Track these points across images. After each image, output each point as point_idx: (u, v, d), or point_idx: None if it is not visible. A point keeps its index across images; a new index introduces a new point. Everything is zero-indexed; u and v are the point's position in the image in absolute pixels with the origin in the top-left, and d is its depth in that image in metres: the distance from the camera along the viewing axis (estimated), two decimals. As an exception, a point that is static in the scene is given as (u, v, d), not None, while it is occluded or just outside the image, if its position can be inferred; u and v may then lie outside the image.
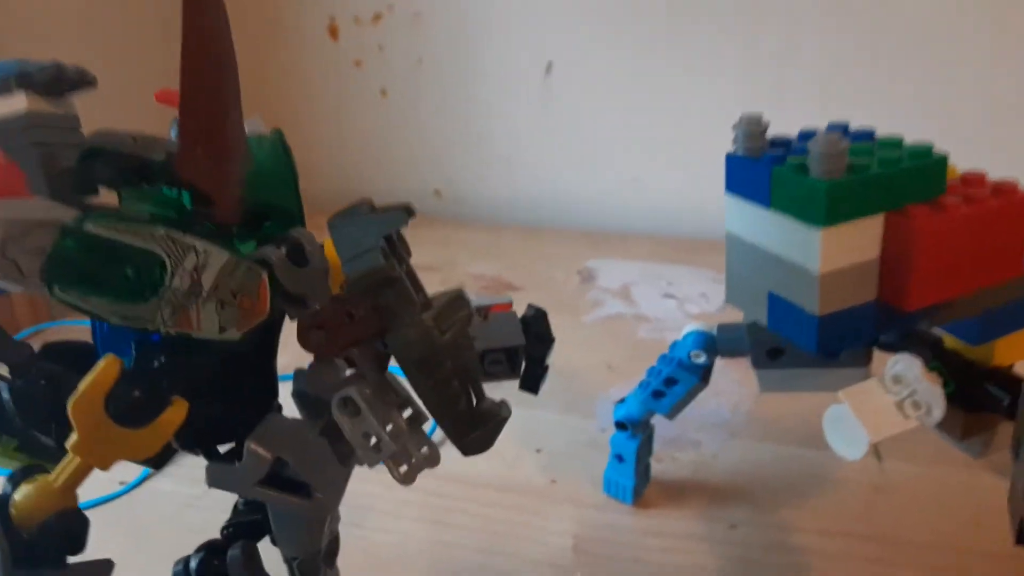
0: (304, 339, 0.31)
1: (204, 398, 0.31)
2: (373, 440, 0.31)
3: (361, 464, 0.32)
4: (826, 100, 0.95)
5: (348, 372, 0.33)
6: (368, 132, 1.18)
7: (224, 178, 0.30)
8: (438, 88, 1.12)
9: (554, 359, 0.75)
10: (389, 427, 0.31)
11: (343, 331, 0.31)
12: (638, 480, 0.54)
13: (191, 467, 0.35)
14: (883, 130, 0.35)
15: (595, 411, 0.66)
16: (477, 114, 1.12)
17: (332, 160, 1.21)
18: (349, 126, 1.18)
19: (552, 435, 0.63)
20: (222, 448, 0.33)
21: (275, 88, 1.19)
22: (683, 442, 0.61)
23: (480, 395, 0.32)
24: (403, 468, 0.32)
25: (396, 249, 0.32)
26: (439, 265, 0.98)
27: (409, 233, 1.17)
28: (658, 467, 0.58)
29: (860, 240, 0.30)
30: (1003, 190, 0.31)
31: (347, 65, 1.15)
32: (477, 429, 0.31)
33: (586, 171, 1.09)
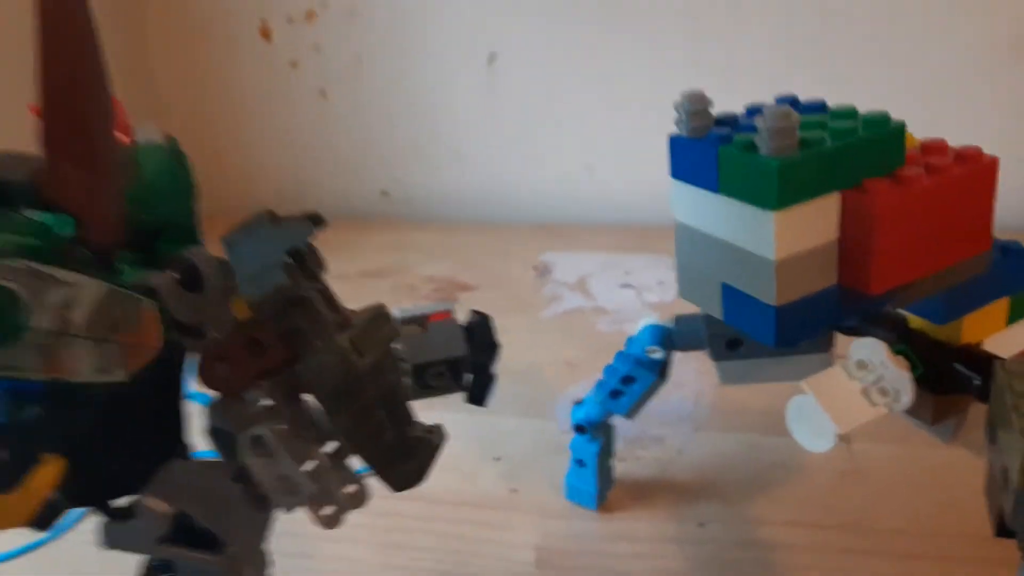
0: (205, 374, 0.28)
1: (93, 448, 0.27)
2: (291, 481, 0.28)
3: (278, 508, 0.29)
4: (775, 76, 0.93)
5: (262, 403, 0.30)
6: (309, 135, 1.14)
7: (96, 195, 0.27)
8: (380, 86, 1.08)
9: (512, 359, 0.72)
10: (309, 466, 0.28)
11: (249, 362, 0.27)
12: (601, 484, 0.52)
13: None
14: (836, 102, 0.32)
15: (556, 412, 0.64)
16: (422, 110, 1.08)
17: (273, 165, 1.16)
18: (289, 129, 1.14)
19: (511, 441, 0.60)
20: (123, 500, 0.30)
21: (210, 94, 1.14)
22: (646, 439, 0.59)
23: (408, 422, 0.29)
24: (326, 511, 0.28)
25: (306, 264, 0.28)
26: (389, 270, 0.95)
27: (358, 237, 1.13)
28: (622, 467, 0.55)
29: (817, 221, 0.28)
30: (967, 156, 0.28)
31: (283, 66, 1.10)
32: (407, 461, 0.28)
33: (537, 162, 1.07)
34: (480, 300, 0.85)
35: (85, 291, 0.25)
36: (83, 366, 0.25)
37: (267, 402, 0.29)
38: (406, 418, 0.29)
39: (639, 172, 1.01)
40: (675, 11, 0.94)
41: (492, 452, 0.59)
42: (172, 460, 0.29)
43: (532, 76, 1.02)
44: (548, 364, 0.71)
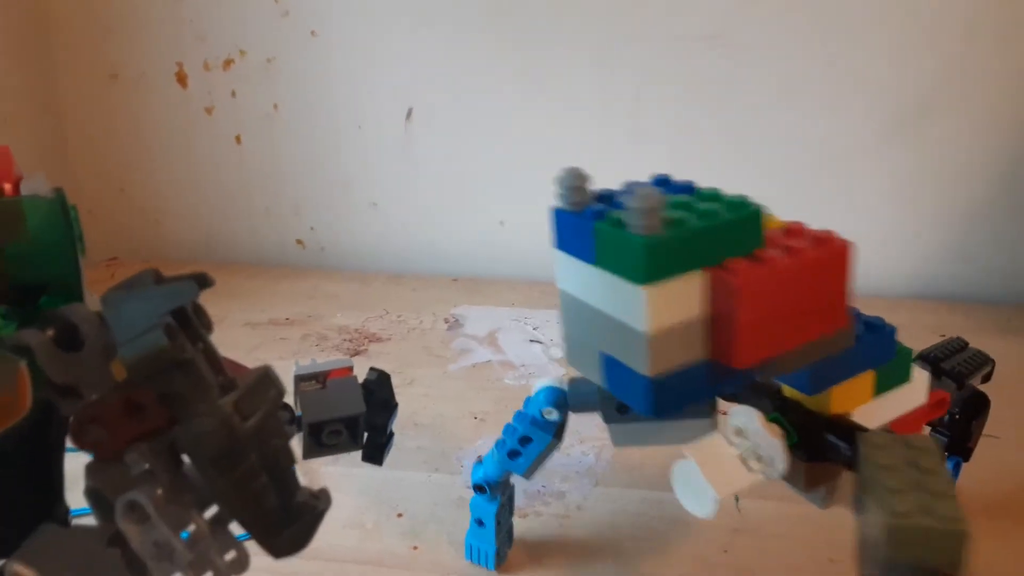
0: (78, 436, 0.27)
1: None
2: (168, 548, 0.27)
3: (154, 576, 0.28)
4: (675, 144, 0.97)
5: (140, 466, 0.29)
6: (224, 180, 1.12)
7: (-27, 253, 0.26)
8: (296, 134, 1.08)
9: (420, 412, 0.72)
10: (187, 532, 0.27)
11: (125, 425, 0.27)
12: (500, 544, 0.52)
13: None
14: (714, 178, 0.34)
15: (461, 466, 0.64)
16: (339, 160, 1.08)
17: (187, 211, 1.14)
18: (203, 175, 1.12)
19: (415, 496, 0.60)
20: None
21: (122, 137, 1.12)
22: (547, 494, 0.60)
23: (293, 487, 0.29)
24: (205, 578, 0.27)
25: (191, 326, 0.28)
26: (300, 319, 0.93)
27: (271, 285, 1.12)
28: (522, 523, 0.56)
29: (685, 297, 0.29)
30: (822, 240, 0.31)
31: (198, 112, 1.09)
32: (290, 528, 0.28)
33: (452, 216, 1.08)
34: (391, 351, 0.85)
35: (-49, 351, 0.24)
36: (-56, 429, 0.24)
37: (144, 465, 0.29)
38: (291, 483, 0.29)
39: (548, 229, 1.04)
40: (587, 78, 0.98)
41: (395, 507, 0.59)
42: (44, 523, 0.28)
43: (448, 132, 1.04)
44: (455, 417, 0.71)
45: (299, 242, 1.13)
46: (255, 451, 0.27)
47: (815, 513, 0.54)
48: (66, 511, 0.30)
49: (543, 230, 1.10)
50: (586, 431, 0.67)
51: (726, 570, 0.51)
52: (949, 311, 0.90)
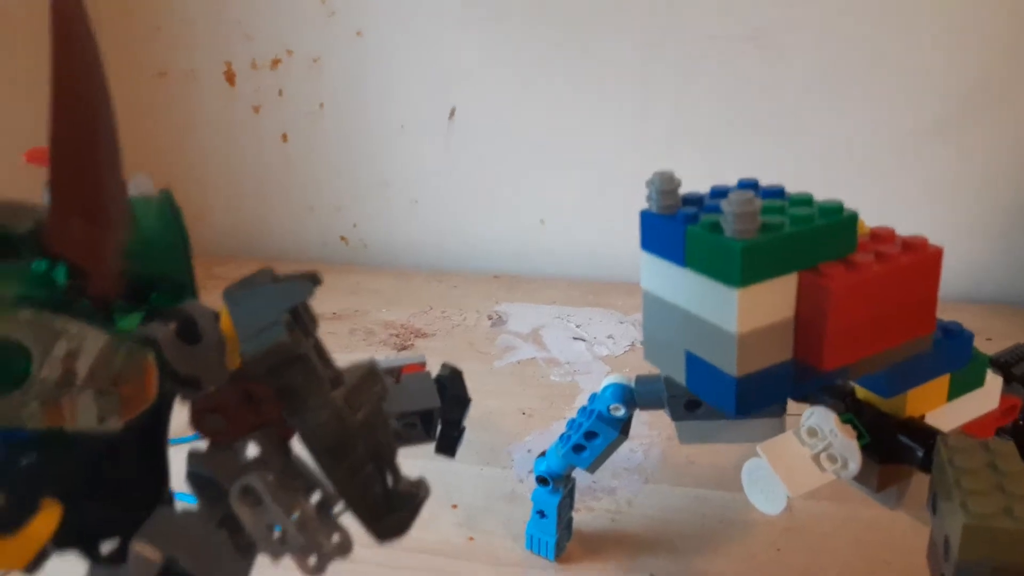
0: (199, 424, 0.28)
1: (82, 495, 0.27)
2: (278, 531, 0.29)
3: (264, 555, 0.29)
4: (711, 149, 0.98)
5: (249, 453, 0.31)
6: (269, 178, 1.14)
7: (102, 248, 0.27)
8: (341, 132, 1.10)
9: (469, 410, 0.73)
10: (295, 516, 0.29)
11: (243, 415, 0.28)
12: (560, 535, 0.53)
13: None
14: (762, 179, 0.35)
15: (512, 460, 0.65)
16: (382, 158, 1.10)
17: (232, 207, 1.16)
18: (249, 172, 1.14)
19: (468, 488, 0.61)
20: (106, 546, 0.30)
21: (171, 136, 1.14)
22: (598, 490, 0.61)
23: (397, 476, 0.30)
24: (312, 560, 0.29)
25: (302, 322, 0.29)
26: (347, 313, 0.95)
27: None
28: (576, 518, 0.57)
29: (776, 299, 0.30)
30: (913, 246, 0.31)
31: (245, 111, 1.11)
32: (393, 514, 0.29)
33: (493, 214, 1.09)
34: (436, 347, 0.86)
35: (89, 342, 0.26)
36: (83, 415, 0.25)
37: (255, 451, 0.30)
38: (394, 473, 0.30)
39: (589, 228, 1.05)
40: (627, 78, 0.98)
41: (449, 499, 0.60)
42: (160, 506, 0.30)
43: (490, 131, 1.05)
44: (503, 413, 0.72)
45: (343, 239, 1.15)
46: (363, 442, 0.29)
47: (867, 514, 0.55)
48: (171, 496, 0.32)
49: (583, 229, 1.11)
50: (634, 429, 0.68)
51: (778, 567, 0.52)
52: (992, 314, 0.90)
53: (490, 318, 0.94)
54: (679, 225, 0.31)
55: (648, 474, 0.63)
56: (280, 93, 1.09)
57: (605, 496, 0.60)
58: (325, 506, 0.30)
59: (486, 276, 1.07)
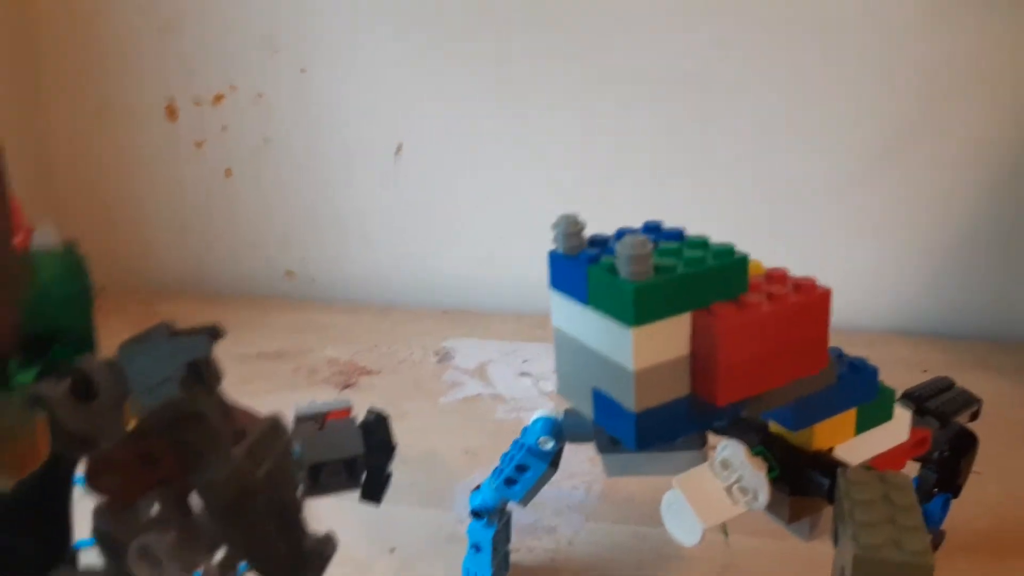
0: (94, 483, 0.28)
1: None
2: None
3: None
4: (648, 185, 1.00)
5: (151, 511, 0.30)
6: (214, 213, 1.13)
7: (-7, 307, 0.27)
8: (286, 167, 1.10)
9: (411, 446, 0.73)
10: (198, 574, 0.28)
11: (140, 473, 0.28)
12: (496, 570, 0.53)
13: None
14: (693, 217, 0.36)
15: (454, 502, 0.64)
16: (329, 193, 1.10)
17: (176, 243, 1.15)
18: (193, 208, 1.13)
19: (408, 531, 0.61)
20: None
21: (112, 171, 1.13)
22: (539, 529, 0.60)
23: (302, 534, 0.30)
24: (213, 621, 0.28)
25: (202, 377, 0.29)
26: (291, 351, 0.94)
27: (260, 318, 1.12)
28: (515, 557, 0.56)
29: (670, 338, 0.31)
30: (803, 286, 0.33)
31: (187, 146, 1.10)
32: (299, 573, 0.29)
33: (441, 249, 1.09)
34: (381, 384, 0.86)
35: (-27, 404, 0.25)
36: (-34, 480, 0.25)
37: (155, 509, 0.30)
38: (299, 530, 0.30)
39: (537, 261, 1.05)
40: (570, 117, 1.00)
41: (387, 543, 0.59)
42: (57, 567, 0.29)
43: (437, 166, 1.06)
44: (447, 452, 0.72)
45: (289, 273, 1.14)
46: (265, 499, 0.28)
47: (804, 550, 0.55)
48: (74, 554, 0.31)
49: (531, 264, 1.12)
50: (576, 467, 0.68)
51: (715, 606, 0.52)
52: (928, 346, 0.92)
53: (437, 354, 0.94)
54: (581, 265, 0.32)
55: (589, 512, 0.62)
56: (224, 128, 1.09)
57: (545, 535, 0.60)
58: (228, 566, 0.30)
59: (435, 311, 1.07)
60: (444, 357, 0.93)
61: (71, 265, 0.32)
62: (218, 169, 1.11)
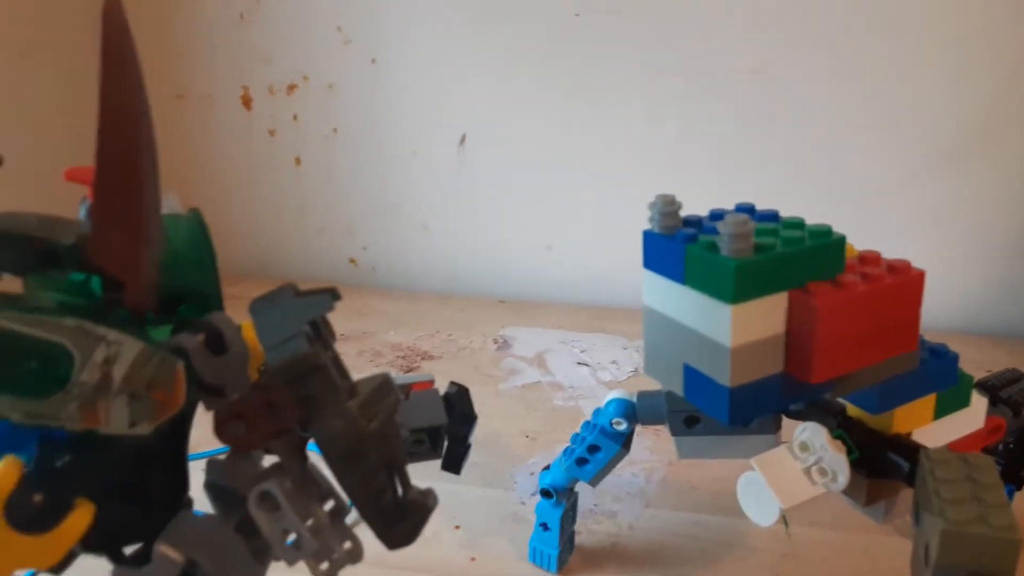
0: (222, 431, 0.30)
1: (110, 497, 0.29)
2: (293, 536, 0.30)
3: (278, 561, 0.31)
4: (714, 179, 1.00)
5: (266, 462, 0.32)
6: (282, 200, 1.17)
7: (139, 263, 0.29)
8: (353, 157, 1.12)
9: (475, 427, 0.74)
10: (310, 522, 0.30)
11: (264, 422, 0.30)
12: (563, 548, 0.54)
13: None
14: (766, 207, 0.37)
15: (515, 483, 0.66)
16: (392, 182, 1.12)
17: (246, 229, 1.19)
18: (263, 195, 1.17)
19: (471, 509, 0.62)
20: (128, 549, 0.31)
21: (187, 157, 1.17)
22: (599, 513, 0.61)
23: (407, 485, 0.31)
24: (324, 565, 0.30)
25: (321, 335, 0.31)
26: (355, 335, 0.97)
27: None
28: (576, 539, 0.58)
29: (767, 316, 0.32)
30: (897, 268, 0.33)
31: (261, 134, 1.14)
32: (403, 521, 0.31)
33: (501, 239, 1.11)
34: (442, 369, 0.88)
35: (125, 349, 0.27)
36: (117, 419, 0.27)
37: (272, 459, 0.32)
38: (405, 481, 0.32)
39: (595, 255, 1.07)
40: (634, 108, 1.01)
41: (452, 520, 0.61)
42: (182, 510, 0.31)
43: (499, 158, 1.08)
44: (507, 435, 0.73)
45: (352, 261, 1.17)
46: (376, 451, 0.30)
47: (864, 542, 0.56)
48: (190, 502, 0.33)
49: (588, 255, 1.13)
50: (636, 454, 0.69)
51: (777, 592, 0.53)
52: (993, 346, 0.91)
53: (495, 342, 0.95)
54: (679, 244, 0.34)
55: (649, 499, 0.63)
56: (295, 117, 1.12)
57: (606, 520, 0.61)
58: (338, 514, 0.32)
59: (493, 300, 1.09)
60: (503, 345, 0.94)
61: (198, 230, 0.34)
62: (288, 157, 1.14)
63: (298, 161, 1.14)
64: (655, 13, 0.97)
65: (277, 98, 1.12)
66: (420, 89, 1.07)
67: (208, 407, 0.31)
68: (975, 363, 0.86)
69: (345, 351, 1.00)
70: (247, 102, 1.13)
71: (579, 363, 0.89)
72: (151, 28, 1.12)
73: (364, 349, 0.93)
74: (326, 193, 1.15)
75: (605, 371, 0.87)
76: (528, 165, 1.07)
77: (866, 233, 0.94)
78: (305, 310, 0.30)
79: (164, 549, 0.30)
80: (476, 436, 0.71)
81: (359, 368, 0.87)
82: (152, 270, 0.30)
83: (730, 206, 0.38)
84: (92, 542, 0.29)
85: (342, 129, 1.11)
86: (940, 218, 0.96)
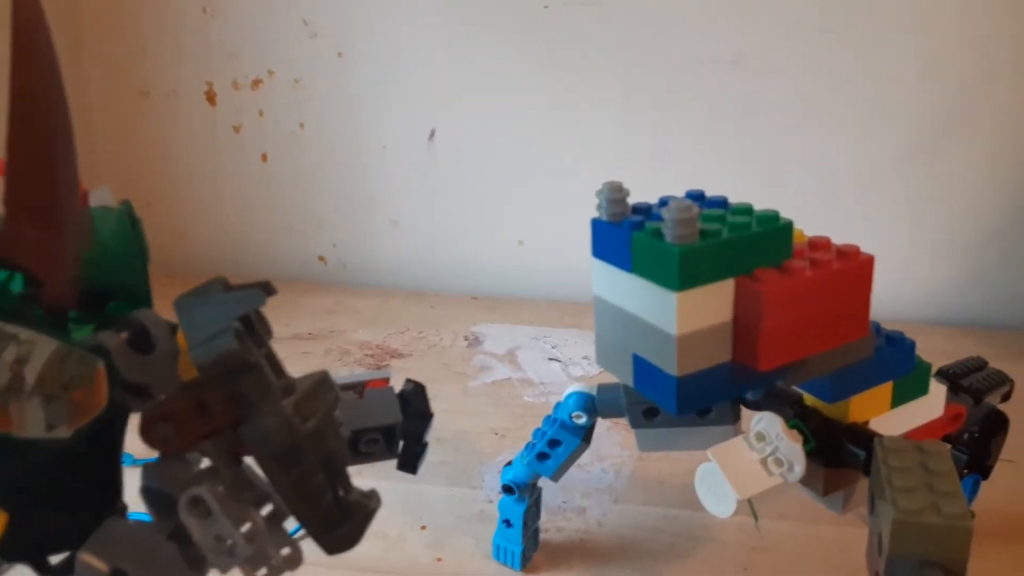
0: (148, 433, 0.29)
1: (31, 504, 0.28)
2: (227, 543, 0.29)
3: (213, 568, 0.30)
4: (688, 172, 1.00)
5: (200, 465, 0.31)
6: (249, 197, 1.15)
7: (56, 257, 0.28)
8: (321, 153, 1.11)
9: (440, 427, 0.74)
10: (245, 527, 0.29)
11: (193, 423, 0.28)
12: (526, 545, 0.53)
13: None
14: (732, 197, 0.36)
15: (482, 481, 0.65)
16: (361, 179, 1.11)
17: (212, 226, 1.17)
18: (229, 192, 1.15)
19: (437, 509, 0.61)
20: (55, 558, 0.30)
21: (153, 154, 1.15)
22: (568, 510, 0.61)
23: (347, 487, 0.30)
24: (261, 572, 0.29)
25: (254, 330, 0.30)
26: (323, 333, 0.95)
27: (293, 301, 1.14)
28: (544, 536, 0.57)
29: (713, 303, 0.32)
30: (846, 253, 0.33)
31: (226, 130, 1.12)
32: (343, 525, 0.30)
33: (472, 235, 1.10)
34: (412, 367, 0.86)
35: (39, 348, 0.26)
36: (31, 422, 0.26)
37: (206, 463, 0.31)
38: (344, 483, 0.30)
39: (566, 249, 1.06)
40: (608, 101, 1.00)
41: (418, 520, 0.60)
42: (110, 517, 0.30)
43: (470, 152, 1.07)
44: (476, 433, 0.72)
45: (321, 259, 1.16)
46: (313, 451, 0.29)
47: (833, 534, 0.56)
48: (124, 508, 0.32)
49: (560, 250, 1.12)
50: (605, 449, 0.68)
51: (746, 586, 0.52)
52: (963, 336, 0.91)
53: (466, 338, 0.94)
54: (625, 232, 0.33)
55: (618, 494, 0.63)
56: (261, 113, 1.10)
57: (575, 516, 0.60)
58: (275, 519, 0.31)
59: (465, 297, 1.08)
60: (474, 342, 0.93)
61: (127, 224, 0.33)
62: (255, 153, 1.12)
63: (265, 157, 1.12)
64: (626, 5, 0.96)
65: (242, 93, 1.10)
66: (388, 83, 1.06)
67: (134, 408, 0.29)
68: (942, 352, 0.86)
69: (312, 350, 0.99)
70: (211, 98, 1.11)
71: (550, 359, 0.88)
72: (114, 24, 1.10)
73: (332, 348, 0.91)
74: (294, 190, 1.13)
75: (577, 366, 0.86)
76: (499, 159, 1.06)
77: (837, 224, 0.95)
78: (234, 305, 0.29)
79: (87, 558, 0.28)
80: (444, 435, 0.70)
81: (327, 367, 0.84)
82: (72, 265, 0.29)
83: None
84: (11, 550, 0.28)
85: (309, 124, 1.10)
86: (909, 209, 0.96)
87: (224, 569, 0.29)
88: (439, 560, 0.55)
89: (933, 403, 0.40)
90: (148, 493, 0.31)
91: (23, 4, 0.26)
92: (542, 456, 0.49)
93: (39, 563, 0.29)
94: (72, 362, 0.26)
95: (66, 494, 0.29)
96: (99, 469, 0.30)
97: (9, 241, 0.27)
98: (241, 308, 0.29)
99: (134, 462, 0.32)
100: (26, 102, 0.27)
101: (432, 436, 0.63)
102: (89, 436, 0.27)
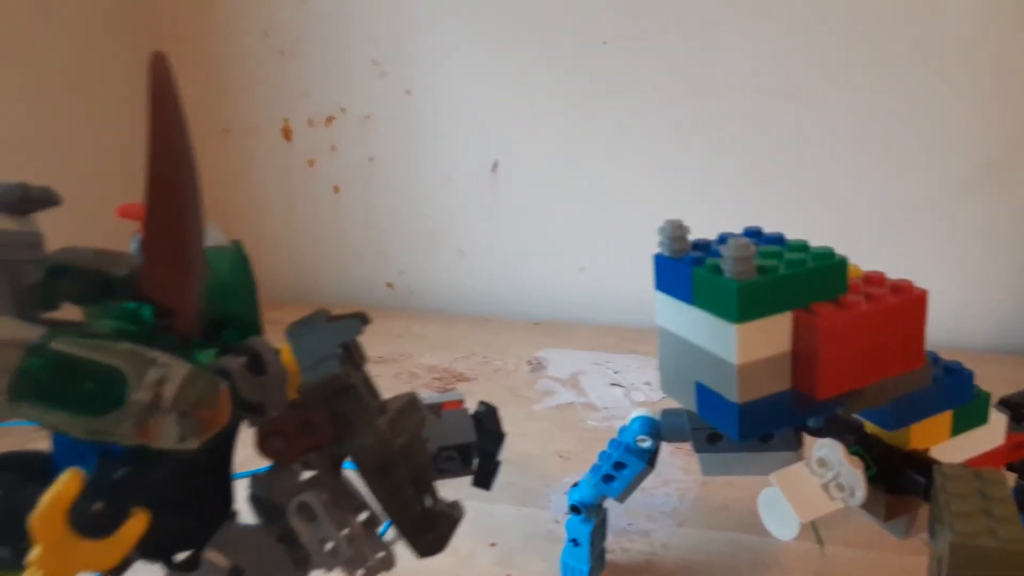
0: (263, 446, 0.32)
1: (162, 507, 0.31)
2: (330, 545, 0.32)
3: (317, 569, 0.33)
4: (743, 201, 1.01)
5: (305, 476, 0.34)
6: (321, 227, 1.20)
7: (186, 293, 0.32)
8: (389, 184, 1.16)
9: (506, 449, 0.76)
10: (345, 532, 0.32)
11: (301, 438, 0.32)
12: (593, 564, 0.55)
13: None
14: (792, 233, 0.38)
15: (549, 502, 0.67)
16: (427, 208, 1.16)
17: (286, 256, 1.23)
18: (303, 222, 1.21)
19: (506, 528, 0.63)
20: (179, 556, 0.34)
21: (232, 187, 1.22)
22: (633, 532, 0.62)
23: (434, 497, 0.33)
24: (359, 573, 0.32)
25: (352, 356, 0.33)
26: (392, 357, 0.99)
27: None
28: (610, 557, 0.58)
29: (772, 335, 0.34)
30: (900, 288, 0.35)
31: (300, 164, 1.18)
32: (431, 531, 0.33)
33: (534, 262, 1.13)
34: (477, 391, 0.89)
35: (175, 371, 0.30)
36: (167, 435, 0.30)
37: (311, 473, 0.34)
38: (432, 494, 0.33)
39: (627, 276, 1.08)
40: (663, 132, 1.02)
41: (488, 538, 0.62)
42: (228, 520, 0.34)
43: (531, 182, 1.10)
44: (541, 455, 0.74)
45: (389, 285, 1.20)
46: (404, 465, 0.32)
47: (899, 562, 0.56)
48: (235, 513, 0.36)
49: (621, 277, 1.14)
50: (669, 474, 0.70)
51: (810, 610, 0.53)
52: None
53: (530, 363, 0.97)
54: (686, 267, 0.35)
55: (683, 518, 0.64)
56: (333, 148, 1.16)
57: (640, 538, 0.61)
58: (371, 524, 0.34)
59: (527, 322, 1.11)
60: (537, 366, 0.96)
61: (239, 259, 0.37)
62: (327, 186, 1.18)
63: (336, 189, 1.18)
64: (679, 38, 0.99)
65: (316, 129, 1.16)
66: (453, 118, 1.11)
67: (250, 424, 0.33)
68: (1008, 380, 0.85)
69: (382, 373, 1.03)
70: (287, 134, 1.17)
71: (612, 384, 0.90)
72: (197, 66, 1.17)
73: (401, 371, 0.95)
74: (364, 220, 1.18)
75: (638, 391, 0.88)
76: (559, 188, 1.09)
77: (903, 252, 0.95)
78: (337, 333, 0.32)
79: (212, 556, 0.32)
80: (511, 456, 0.72)
81: (396, 389, 0.86)
82: (198, 299, 0.33)
83: (765, 225, 0.39)
84: (147, 549, 0.32)
85: (379, 158, 1.15)
86: (972, 238, 0.96)
87: (328, 568, 0.32)
88: (508, 576, 0.58)
89: (994, 432, 0.41)
90: (256, 500, 0.35)
91: (159, 73, 0.31)
92: (608, 478, 0.51)
93: (167, 560, 0.33)
94: (202, 383, 0.30)
95: (191, 499, 0.33)
96: (217, 477, 0.34)
97: (149, 279, 0.31)
98: (343, 336, 0.32)
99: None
100: (162, 162, 0.31)
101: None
102: (211, 448, 0.31)
